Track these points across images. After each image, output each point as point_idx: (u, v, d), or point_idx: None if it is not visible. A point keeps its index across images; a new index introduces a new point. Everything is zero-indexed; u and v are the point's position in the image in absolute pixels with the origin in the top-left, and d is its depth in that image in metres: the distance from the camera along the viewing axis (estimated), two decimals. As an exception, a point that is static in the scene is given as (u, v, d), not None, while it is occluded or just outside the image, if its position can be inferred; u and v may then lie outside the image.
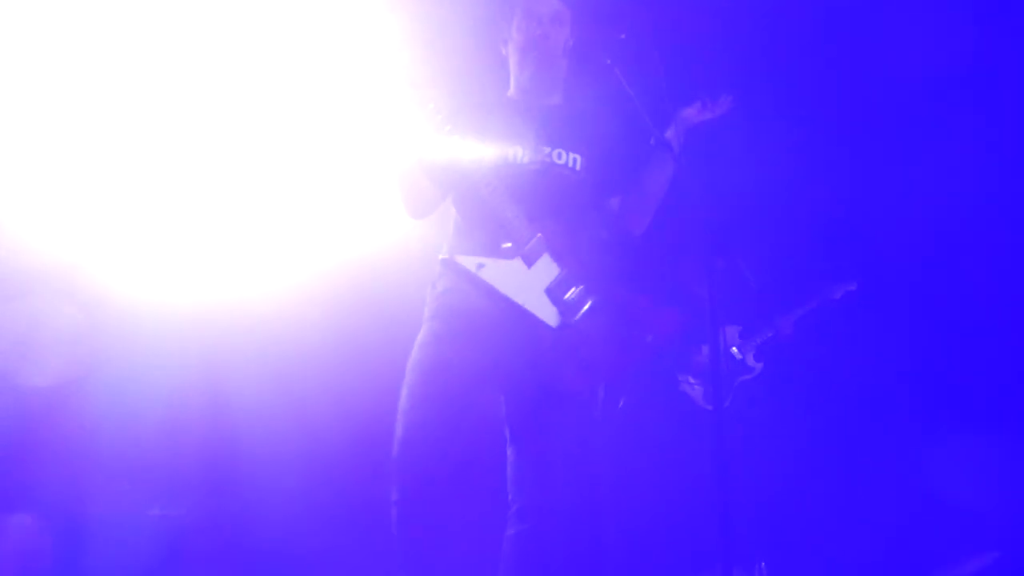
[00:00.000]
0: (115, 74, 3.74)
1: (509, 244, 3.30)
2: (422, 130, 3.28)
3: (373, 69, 3.25)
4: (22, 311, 3.90)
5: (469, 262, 3.26)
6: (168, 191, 3.92)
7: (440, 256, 3.42)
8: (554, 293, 3.32)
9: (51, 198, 3.83)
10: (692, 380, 4.68)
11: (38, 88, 3.70)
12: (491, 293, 3.26)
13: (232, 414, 4.12)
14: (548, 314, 3.31)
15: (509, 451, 3.37)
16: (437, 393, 3.24)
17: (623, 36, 3.32)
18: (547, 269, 3.34)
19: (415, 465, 3.20)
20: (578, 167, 3.49)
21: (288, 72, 3.72)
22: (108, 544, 3.95)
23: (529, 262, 3.32)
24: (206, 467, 4.19)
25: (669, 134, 3.45)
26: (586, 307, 3.33)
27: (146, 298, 3.97)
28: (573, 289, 3.33)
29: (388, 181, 3.52)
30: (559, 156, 3.47)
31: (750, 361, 4.81)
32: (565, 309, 3.32)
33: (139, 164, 3.87)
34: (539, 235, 3.32)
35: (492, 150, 3.40)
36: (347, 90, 3.32)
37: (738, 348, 4.80)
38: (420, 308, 3.49)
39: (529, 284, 3.31)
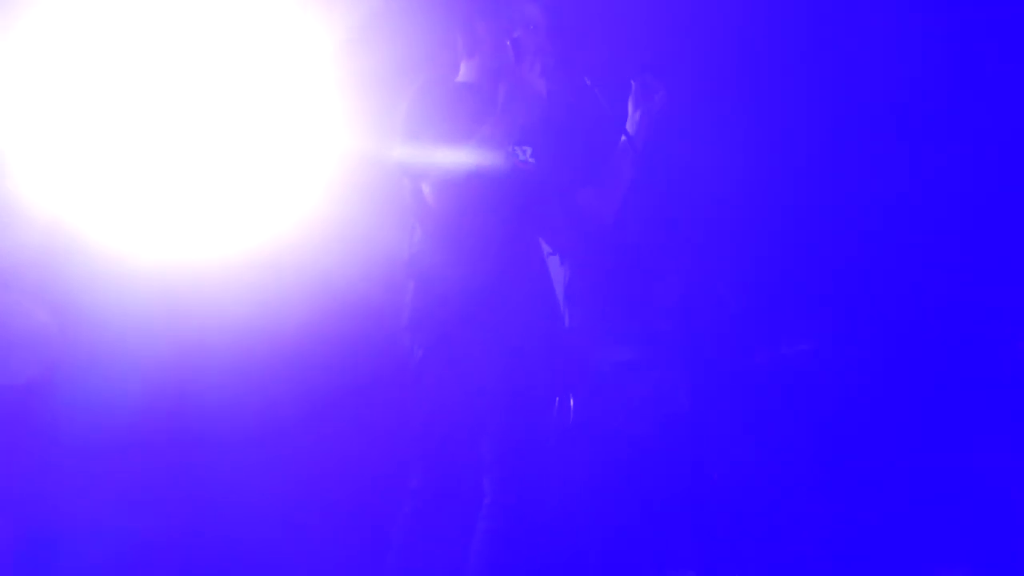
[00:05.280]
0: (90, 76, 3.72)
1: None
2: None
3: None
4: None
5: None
6: (136, 190, 3.84)
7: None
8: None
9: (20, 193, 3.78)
10: None
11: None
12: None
13: (199, 423, 4.03)
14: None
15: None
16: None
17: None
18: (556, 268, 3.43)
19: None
20: (530, 158, 3.39)
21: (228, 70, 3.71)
22: (63, 554, 3.86)
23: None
24: (168, 476, 4.10)
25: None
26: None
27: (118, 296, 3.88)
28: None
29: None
30: (516, 152, 3.36)
31: None
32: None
33: (108, 161, 3.80)
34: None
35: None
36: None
37: None
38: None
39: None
